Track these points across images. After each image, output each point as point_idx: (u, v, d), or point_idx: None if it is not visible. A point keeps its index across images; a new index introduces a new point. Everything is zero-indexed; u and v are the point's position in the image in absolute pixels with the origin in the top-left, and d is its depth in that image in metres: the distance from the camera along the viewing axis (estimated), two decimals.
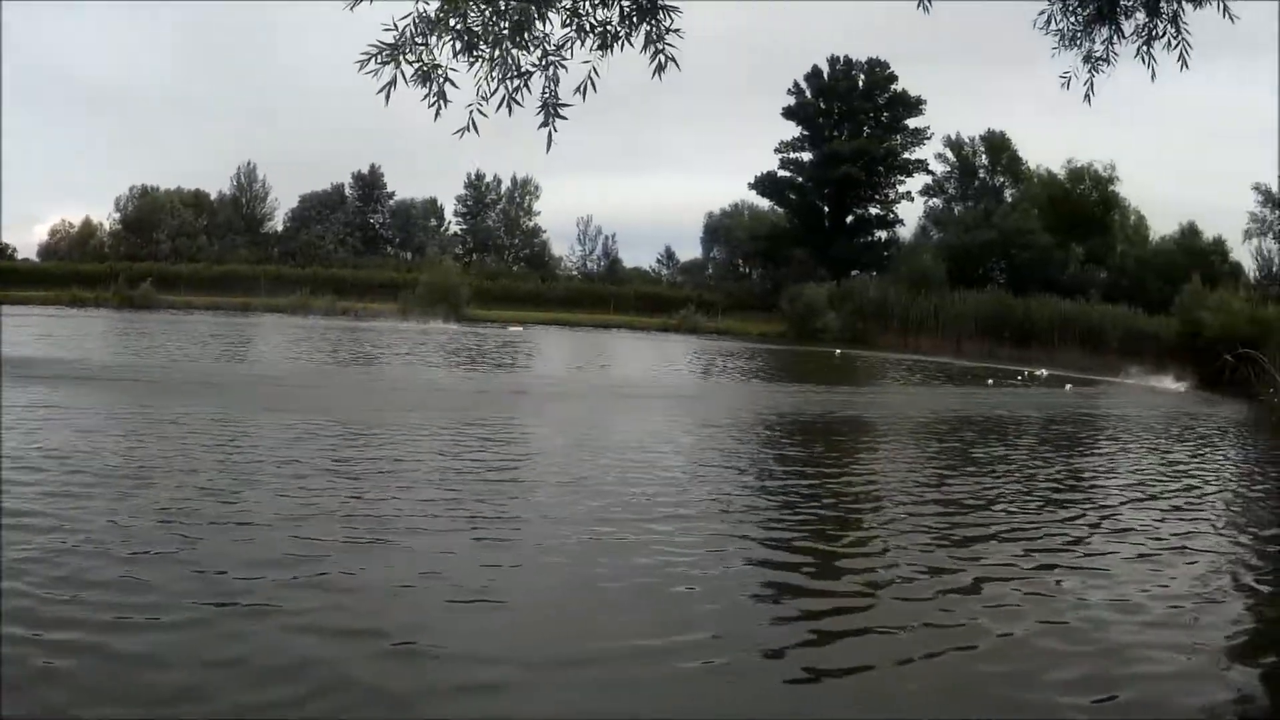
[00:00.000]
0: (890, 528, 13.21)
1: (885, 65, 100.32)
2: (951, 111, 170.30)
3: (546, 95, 6.69)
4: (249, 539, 10.59)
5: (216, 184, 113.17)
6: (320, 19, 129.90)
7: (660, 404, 28.19)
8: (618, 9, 6.96)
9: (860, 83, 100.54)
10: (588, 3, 6.91)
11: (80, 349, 34.41)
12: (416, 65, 6.41)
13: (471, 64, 6.56)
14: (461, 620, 8.62)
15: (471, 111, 6.53)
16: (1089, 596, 10.35)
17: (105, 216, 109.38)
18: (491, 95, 6.58)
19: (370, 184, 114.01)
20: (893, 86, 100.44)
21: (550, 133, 6.68)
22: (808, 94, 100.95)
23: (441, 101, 6.46)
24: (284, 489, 13.16)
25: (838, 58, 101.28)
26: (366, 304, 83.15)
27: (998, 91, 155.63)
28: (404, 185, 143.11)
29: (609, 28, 6.93)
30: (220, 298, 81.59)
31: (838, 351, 64.00)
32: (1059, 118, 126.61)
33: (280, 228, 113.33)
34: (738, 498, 14.59)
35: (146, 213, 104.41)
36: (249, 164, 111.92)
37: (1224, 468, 21.59)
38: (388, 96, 6.36)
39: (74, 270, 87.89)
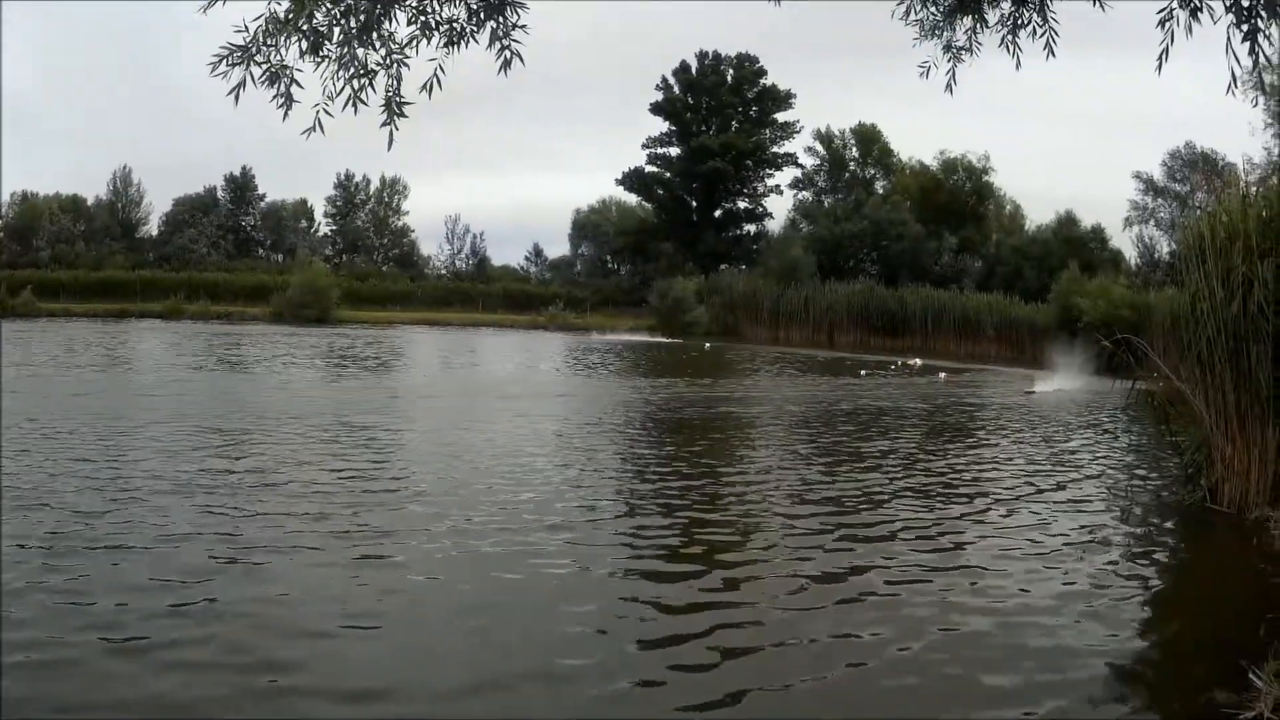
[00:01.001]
0: (775, 532, 13.05)
1: (755, 60, 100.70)
2: (825, 105, 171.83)
3: (390, 93, 6.77)
4: (123, 564, 10.27)
5: (93, 189, 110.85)
6: (191, 20, 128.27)
7: (532, 403, 27.93)
8: (464, 7, 7.02)
9: (729, 78, 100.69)
10: (434, 0, 6.97)
11: None
12: (265, 66, 6.49)
13: (318, 64, 6.66)
14: (344, 649, 8.39)
15: (318, 111, 6.61)
16: (988, 598, 10.37)
17: None
18: (337, 95, 6.66)
19: (242, 186, 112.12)
20: (762, 81, 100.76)
21: (391, 131, 6.81)
22: (676, 89, 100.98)
23: (288, 102, 6.57)
24: (160, 506, 12.81)
25: (706, 53, 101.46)
26: (240, 308, 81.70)
27: (873, 85, 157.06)
28: (275, 187, 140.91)
29: (455, 25, 7.00)
30: (99, 304, 79.61)
31: (707, 345, 64.09)
32: (936, 110, 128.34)
33: (155, 232, 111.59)
34: (615, 503, 14.51)
35: (27, 220, 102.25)
36: (124, 168, 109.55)
37: (1109, 456, 21.75)
38: (237, 98, 6.49)
39: None
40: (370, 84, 6.73)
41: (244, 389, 29.23)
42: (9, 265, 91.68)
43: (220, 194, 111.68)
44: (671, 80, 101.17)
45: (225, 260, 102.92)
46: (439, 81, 6.83)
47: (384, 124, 6.78)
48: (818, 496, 15.45)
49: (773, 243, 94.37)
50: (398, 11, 6.87)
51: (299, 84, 6.56)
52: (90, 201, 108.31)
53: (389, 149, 6.84)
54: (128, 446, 17.53)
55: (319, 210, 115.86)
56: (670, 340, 70.34)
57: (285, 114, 6.58)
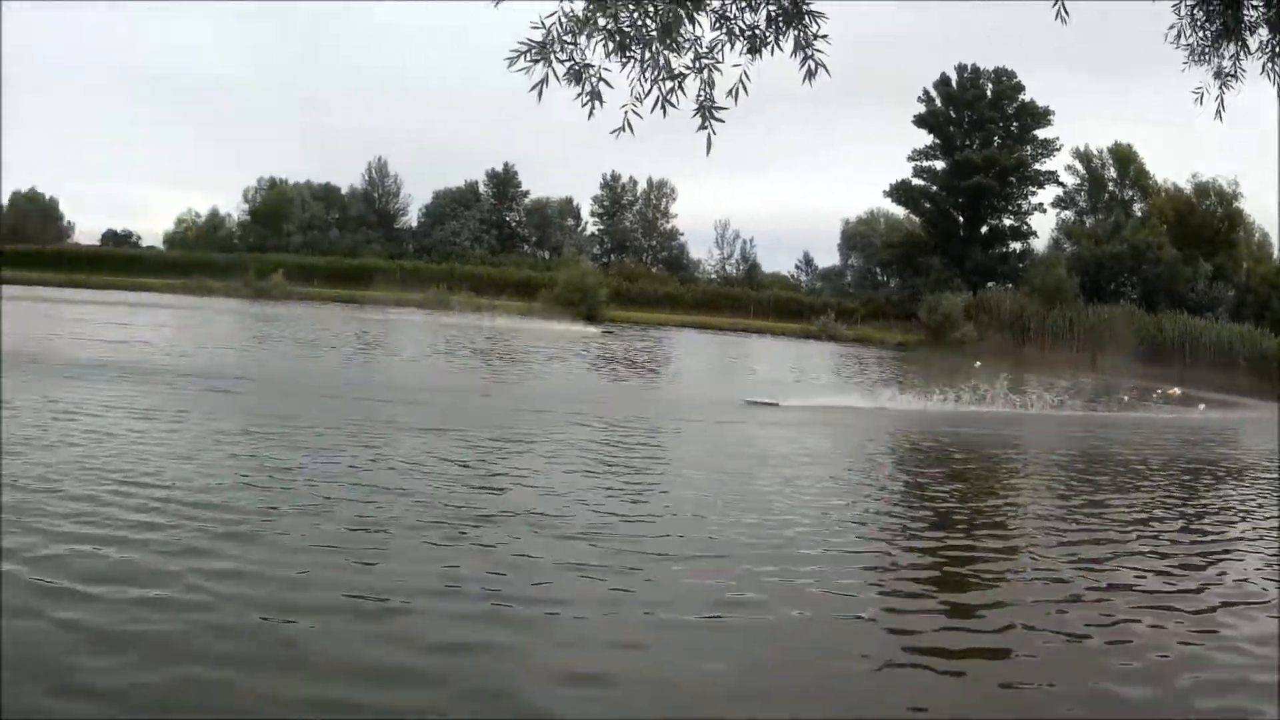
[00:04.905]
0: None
1: (1012, 74, 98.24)
2: (1081, 123, 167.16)
3: (702, 98, 6.80)
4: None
5: (343, 179, 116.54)
6: (436, 19, 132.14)
7: (824, 422, 27.15)
8: (764, 13, 7.03)
9: (988, 92, 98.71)
10: (735, 6, 7.01)
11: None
12: (568, 64, 6.58)
13: (624, 64, 6.72)
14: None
15: (626, 112, 6.66)
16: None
17: (234, 207, 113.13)
18: (645, 96, 6.72)
19: (504, 182, 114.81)
20: (1020, 96, 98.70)
21: (710, 135, 6.80)
22: (937, 102, 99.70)
23: (596, 101, 6.64)
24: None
25: (965, 65, 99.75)
26: (503, 301, 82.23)
27: (1119, 103, 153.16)
28: (533, 184, 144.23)
29: (757, 31, 7.00)
30: (356, 291, 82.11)
31: (978, 363, 63.07)
32: (1178, 131, 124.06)
33: (414, 224, 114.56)
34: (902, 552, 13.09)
35: (275, 205, 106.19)
36: (379, 159, 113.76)
37: None
38: (540, 94, 6.56)
39: (205, 260, 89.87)
40: (680, 87, 6.77)
41: (520, 389, 28.67)
42: (256, 248, 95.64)
43: (482, 189, 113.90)
44: (933, 92, 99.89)
45: (488, 255, 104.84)
46: (744, 87, 6.79)
47: (700, 128, 6.79)
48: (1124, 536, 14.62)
49: (1037, 262, 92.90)
50: (701, 16, 6.88)
51: (607, 83, 6.62)
52: (344, 190, 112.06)
53: (708, 153, 6.81)
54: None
55: (584, 209, 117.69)
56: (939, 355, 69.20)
57: (590, 113, 6.64)
